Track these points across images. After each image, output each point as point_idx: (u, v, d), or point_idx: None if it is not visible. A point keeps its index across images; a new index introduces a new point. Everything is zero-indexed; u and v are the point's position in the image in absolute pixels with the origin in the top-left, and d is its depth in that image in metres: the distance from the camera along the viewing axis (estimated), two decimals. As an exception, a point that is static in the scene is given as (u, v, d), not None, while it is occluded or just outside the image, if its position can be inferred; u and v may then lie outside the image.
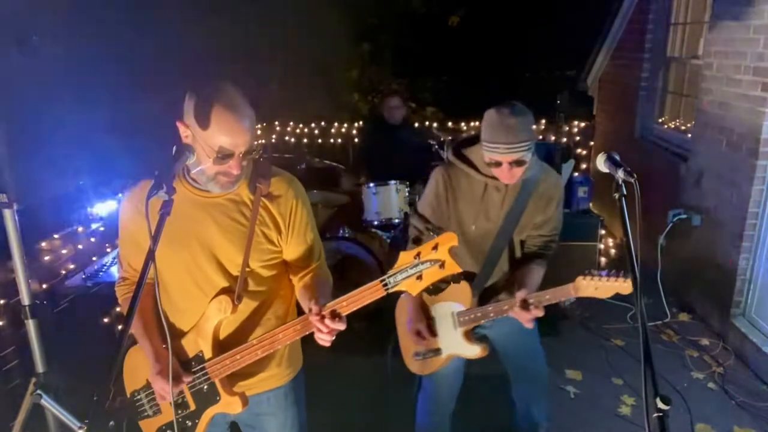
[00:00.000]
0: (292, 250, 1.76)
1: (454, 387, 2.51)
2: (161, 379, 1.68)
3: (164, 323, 1.51)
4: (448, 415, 2.58)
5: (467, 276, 2.33)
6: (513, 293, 2.17)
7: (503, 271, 2.39)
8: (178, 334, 1.75)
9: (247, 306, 1.73)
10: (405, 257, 1.46)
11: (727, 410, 3.23)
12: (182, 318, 1.75)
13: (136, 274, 1.79)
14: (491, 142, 2.08)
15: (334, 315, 1.54)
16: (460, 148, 2.27)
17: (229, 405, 1.75)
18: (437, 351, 2.37)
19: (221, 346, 1.73)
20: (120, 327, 1.43)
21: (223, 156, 1.53)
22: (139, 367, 1.82)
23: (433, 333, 2.35)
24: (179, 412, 1.79)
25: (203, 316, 1.70)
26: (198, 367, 1.73)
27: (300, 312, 1.73)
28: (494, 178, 2.19)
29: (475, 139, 2.24)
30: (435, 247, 1.42)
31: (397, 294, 1.55)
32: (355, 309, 1.55)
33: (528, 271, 2.27)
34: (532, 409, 2.63)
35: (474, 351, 2.33)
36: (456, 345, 2.35)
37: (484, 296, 2.36)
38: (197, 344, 1.73)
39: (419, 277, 1.44)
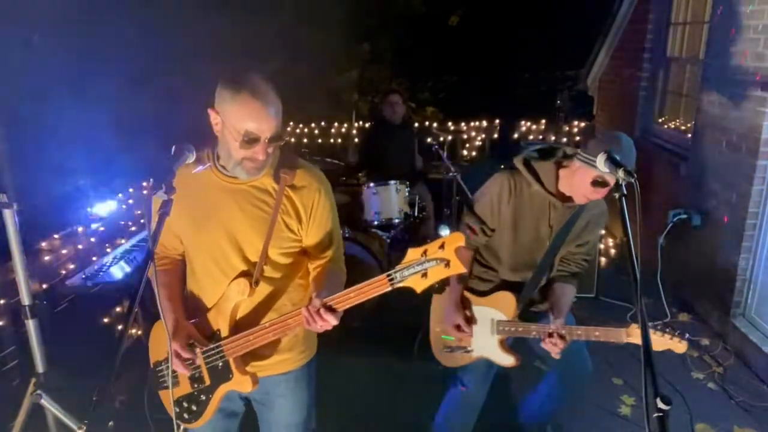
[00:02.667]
0: (310, 240, 1.82)
1: (486, 382, 2.54)
2: (180, 347, 1.74)
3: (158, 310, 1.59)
4: (478, 410, 2.60)
5: (513, 287, 2.36)
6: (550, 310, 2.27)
7: (541, 285, 2.43)
8: (201, 310, 1.84)
9: (264, 290, 1.80)
10: (412, 254, 1.49)
11: (727, 410, 3.23)
12: (205, 295, 1.83)
13: (164, 250, 1.89)
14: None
15: (328, 309, 1.59)
16: (530, 160, 2.27)
17: (240, 383, 1.81)
18: (468, 350, 2.40)
19: (238, 326, 1.80)
20: (120, 327, 1.44)
21: (249, 140, 1.59)
22: (163, 339, 1.87)
23: (471, 332, 2.38)
24: (195, 385, 1.87)
25: (223, 296, 1.78)
26: (215, 344, 1.80)
27: None
28: (554, 195, 2.21)
29: (546, 155, 2.26)
30: (442, 246, 1.45)
31: (401, 290, 1.56)
32: (360, 302, 1.60)
33: (564, 294, 2.35)
34: (559, 409, 2.68)
35: (508, 360, 2.36)
36: (489, 350, 2.38)
37: (524, 309, 2.40)
38: (216, 322, 1.80)
39: (424, 275, 1.48)
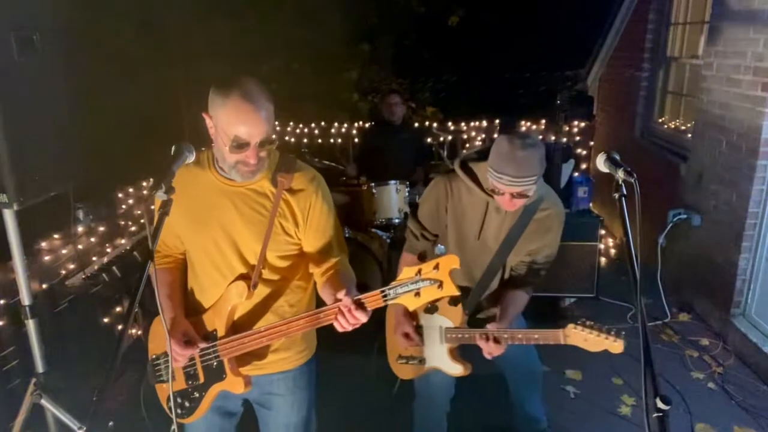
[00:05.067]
0: (310, 244, 1.82)
1: (446, 388, 2.49)
2: (176, 343, 1.76)
3: (157, 305, 1.58)
4: (444, 416, 2.58)
5: (462, 292, 2.30)
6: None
7: (491, 291, 2.38)
8: (200, 309, 1.85)
9: (262, 292, 1.81)
10: (407, 272, 1.51)
11: (727, 410, 3.23)
12: (204, 296, 1.85)
13: (165, 248, 1.90)
14: (497, 171, 2.00)
15: (360, 305, 1.58)
16: (468, 161, 2.22)
17: (232, 384, 1.82)
18: (421, 360, 2.35)
19: (235, 326, 1.81)
20: (120, 327, 1.44)
21: (239, 145, 1.59)
22: (162, 334, 1.87)
23: (420, 341, 2.33)
24: (190, 382, 1.88)
25: (221, 297, 1.79)
26: (211, 344, 1.81)
27: (318, 302, 1.83)
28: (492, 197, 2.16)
29: (484, 155, 2.18)
30: (436, 267, 1.47)
31: None
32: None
33: (513, 300, 2.27)
34: (528, 409, 2.63)
35: (456, 369, 2.31)
36: (439, 359, 2.32)
37: (471, 315, 2.36)
38: (213, 322, 1.81)
39: (417, 294, 1.50)
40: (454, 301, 2.26)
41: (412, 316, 2.33)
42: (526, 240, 2.24)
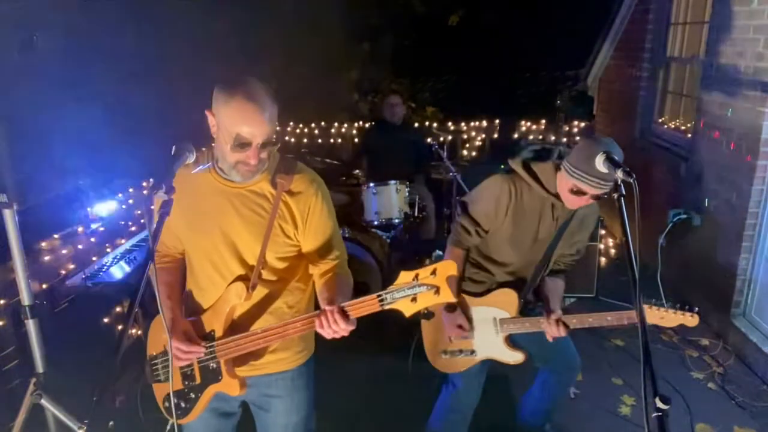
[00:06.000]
0: (309, 245, 1.82)
1: (480, 383, 2.55)
2: (177, 340, 1.75)
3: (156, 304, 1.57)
4: (472, 411, 2.61)
5: (514, 285, 2.38)
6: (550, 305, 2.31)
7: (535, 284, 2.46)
8: (198, 309, 1.85)
9: (261, 293, 1.81)
10: (404, 276, 1.50)
11: (727, 410, 3.23)
12: (202, 296, 1.84)
13: (165, 249, 1.91)
14: (586, 173, 2.03)
15: (344, 314, 1.58)
16: (529, 162, 2.27)
17: (228, 386, 1.82)
18: (471, 352, 2.40)
19: (233, 327, 1.81)
20: (120, 327, 1.44)
21: (240, 144, 1.59)
22: (161, 333, 1.89)
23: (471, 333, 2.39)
24: (186, 383, 1.88)
25: (220, 298, 1.79)
26: (208, 345, 1.80)
27: (317, 303, 1.85)
28: (555, 196, 2.21)
29: (543, 156, 2.26)
30: (433, 272, 1.46)
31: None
32: (355, 316, 1.60)
33: (555, 288, 2.40)
34: (552, 404, 2.70)
35: (515, 357, 2.39)
36: (495, 349, 2.39)
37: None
38: (211, 323, 1.81)
39: (414, 299, 1.49)
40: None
41: (462, 308, 2.39)
42: (572, 235, 2.35)
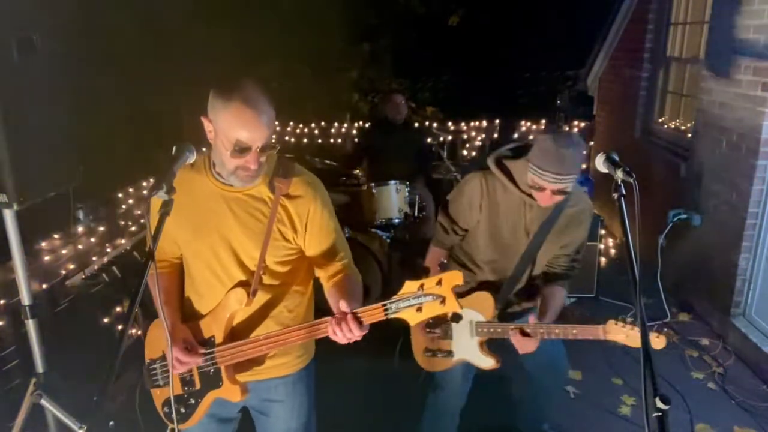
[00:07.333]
0: (313, 249, 1.79)
1: (464, 384, 2.52)
2: (176, 348, 1.74)
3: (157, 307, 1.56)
4: (458, 412, 2.60)
5: (490, 287, 2.34)
6: (541, 310, 2.26)
7: (521, 287, 2.41)
8: (196, 316, 1.83)
9: (261, 298, 1.79)
10: (409, 286, 1.49)
11: (727, 410, 3.23)
12: (201, 302, 1.82)
13: (162, 253, 1.86)
14: (541, 168, 2.03)
15: (357, 321, 1.56)
16: (503, 159, 2.24)
17: (228, 392, 1.81)
18: (449, 353, 2.37)
19: (233, 333, 1.79)
20: (120, 327, 1.44)
21: (240, 149, 1.57)
22: (159, 338, 1.87)
23: (448, 335, 2.36)
24: (186, 388, 1.86)
25: (220, 304, 1.77)
26: (208, 351, 1.79)
27: (316, 306, 1.86)
28: (531, 196, 2.18)
29: (519, 153, 2.22)
30: (439, 282, 1.46)
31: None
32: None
33: (552, 295, 2.31)
34: (544, 410, 2.67)
35: (487, 363, 2.34)
36: (469, 352, 2.35)
37: (501, 310, 2.39)
38: (211, 329, 1.79)
39: (419, 309, 1.48)
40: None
41: None
42: (559, 234, 2.28)
